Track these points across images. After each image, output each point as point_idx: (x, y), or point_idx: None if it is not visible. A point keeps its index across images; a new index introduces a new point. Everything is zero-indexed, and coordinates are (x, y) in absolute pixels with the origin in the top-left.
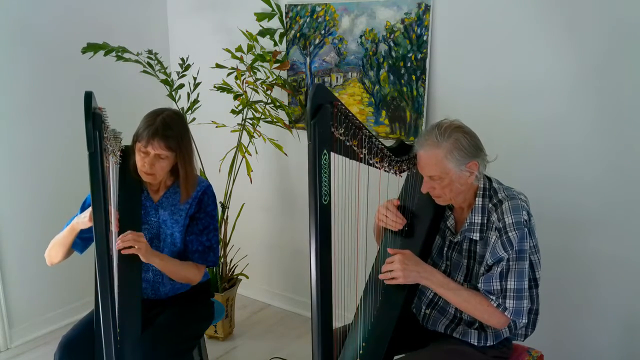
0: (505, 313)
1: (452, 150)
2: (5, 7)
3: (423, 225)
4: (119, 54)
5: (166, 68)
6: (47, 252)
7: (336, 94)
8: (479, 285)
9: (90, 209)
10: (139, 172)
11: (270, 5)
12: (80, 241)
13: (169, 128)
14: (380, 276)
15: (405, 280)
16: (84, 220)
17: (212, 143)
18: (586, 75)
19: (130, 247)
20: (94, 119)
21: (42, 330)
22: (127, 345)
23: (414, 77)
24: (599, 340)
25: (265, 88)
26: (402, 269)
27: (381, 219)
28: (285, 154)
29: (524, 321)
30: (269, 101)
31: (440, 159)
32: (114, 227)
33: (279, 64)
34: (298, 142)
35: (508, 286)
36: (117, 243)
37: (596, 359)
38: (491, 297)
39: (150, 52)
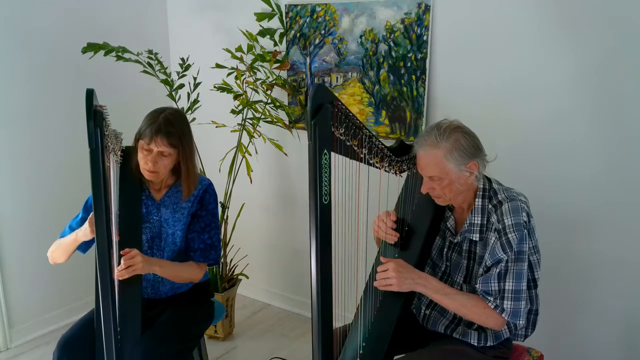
0: (503, 315)
1: (452, 151)
2: (5, 7)
3: (422, 228)
4: (119, 54)
5: (166, 68)
6: (50, 253)
7: (336, 94)
8: (477, 286)
9: (88, 220)
10: (142, 170)
11: (270, 5)
12: (83, 242)
13: (172, 125)
14: (375, 283)
15: (399, 287)
16: (85, 232)
17: (212, 143)
18: (586, 74)
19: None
20: (95, 116)
21: (42, 330)
22: (127, 345)
23: (414, 77)
24: (599, 340)
25: (265, 88)
26: (397, 276)
27: (375, 229)
28: (285, 154)
29: (521, 322)
30: (269, 101)
31: (439, 159)
32: (114, 236)
33: (279, 64)
34: (298, 142)
35: (506, 287)
36: (116, 274)
37: (596, 358)
38: (489, 298)
39: (150, 52)
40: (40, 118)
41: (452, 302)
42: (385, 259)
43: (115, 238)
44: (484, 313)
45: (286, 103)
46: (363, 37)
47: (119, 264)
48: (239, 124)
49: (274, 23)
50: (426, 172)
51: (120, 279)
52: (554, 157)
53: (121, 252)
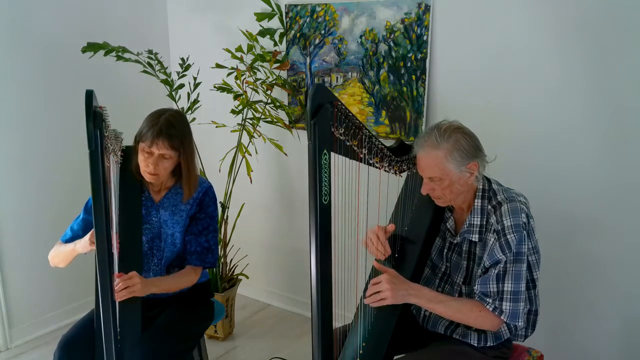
0: (502, 316)
1: (452, 151)
2: (5, 7)
3: (421, 230)
4: (119, 54)
5: (166, 68)
6: (50, 258)
7: (336, 94)
8: (475, 287)
9: (89, 233)
10: (142, 172)
11: (270, 5)
12: None
13: (173, 127)
14: (366, 300)
15: (394, 300)
16: (84, 245)
17: (212, 143)
18: (586, 73)
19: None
20: (95, 118)
21: (42, 330)
22: (127, 345)
23: (414, 77)
24: (599, 340)
25: (265, 88)
26: (390, 288)
27: (368, 243)
28: (285, 154)
29: (520, 324)
30: (269, 101)
31: (440, 160)
32: (115, 249)
33: (279, 64)
34: (298, 142)
35: (505, 288)
36: (115, 296)
37: (596, 359)
38: (487, 299)
39: (150, 52)
40: (40, 118)
41: (446, 309)
42: (378, 265)
43: (115, 246)
44: (480, 316)
45: (286, 103)
46: (363, 37)
47: (119, 256)
48: (239, 124)
49: (274, 23)
50: (426, 173)
51: (118, 300)
52: (555, 157)
53: (116, 276)
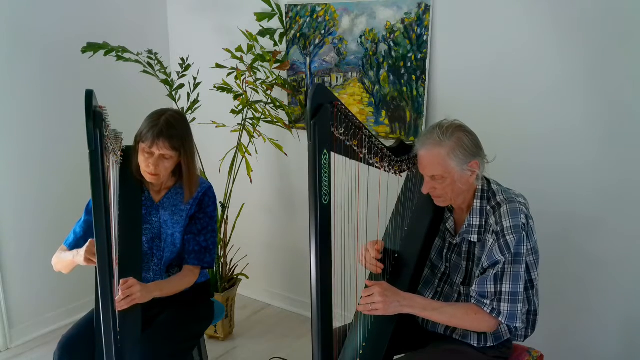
0: (500, 318)
1: (455, 149)
2: (5, 7)
3: (420, 232)
4: (119, 54)
5: (166, 68)
6: (54, 263)
7: (336, 94)
8: (473, 287)
9: (86, 245)
10: (142, 173)
11: (270, 5)
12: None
13: (173, 128)
14: (359, 307)
15: (385, 312)
16: (79, 258)
17: (212, 143)
18: (587, 74)
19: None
20: (95, 117)
21: (42, 330)
22: (127, 345)
23: (414, 77)
24: (599, 340)
25: (265, 88)
26: (383, 300)
27: (362, 260)
28: (285, 154)
29: (518, 325)
30: (269, 101)
31: (443, 157)
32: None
33: (279, 64)
34: (298, 142)
35: (503, 289)
36: (116, 305)
37: (596, 359)
38: (485, 300)
39: (150, 52)
40: (40, 118)
41: (441, 316)
42: (370, 282)
43: (114, 264)
44: (476, 319)
45: (286, 103)
46: (363, 37)
47: (119, 256)
48: (239, 124)
49: (274, 23)
50: (428, 171)
51: (119, 309)
52: (555, 156)
53: (119, 285)
